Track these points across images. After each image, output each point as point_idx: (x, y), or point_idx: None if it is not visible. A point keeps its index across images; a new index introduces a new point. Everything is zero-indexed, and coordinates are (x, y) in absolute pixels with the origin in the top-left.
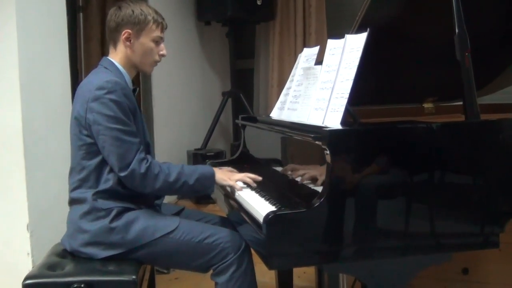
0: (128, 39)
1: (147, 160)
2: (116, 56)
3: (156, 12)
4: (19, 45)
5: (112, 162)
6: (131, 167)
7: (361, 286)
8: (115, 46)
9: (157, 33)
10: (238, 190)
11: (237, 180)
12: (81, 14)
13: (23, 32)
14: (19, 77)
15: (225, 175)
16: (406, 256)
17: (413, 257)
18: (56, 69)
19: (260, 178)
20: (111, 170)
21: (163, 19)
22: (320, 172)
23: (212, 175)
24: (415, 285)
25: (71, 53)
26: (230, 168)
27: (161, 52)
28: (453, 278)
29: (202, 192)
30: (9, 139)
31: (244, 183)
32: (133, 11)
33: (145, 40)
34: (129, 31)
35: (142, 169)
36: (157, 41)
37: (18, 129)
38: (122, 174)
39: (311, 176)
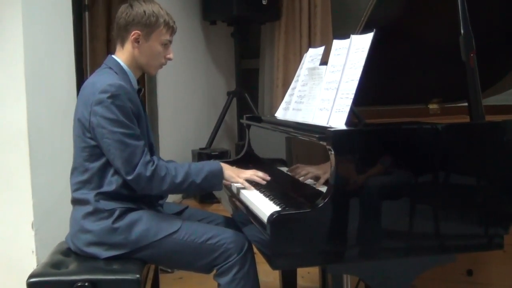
0: (136, 40)
1: (153, 163)
2: (123, 55)
3: (168, 15)
4: (25, 44)
5: (117, 166)
6: (136, 170)
7: (365, 287)
8: (122, 44)
9: (166, 36)
10: (247, 188)
11: (246, 178)
12: (87, 13)
13: (29, 31)
14: (25, 76)
15: (234, 172)
16: (411, 257)
17: (417, 258)
18: (62, 68)
19: (268, 178)
20: (115, 173)
21: (174, 22)
22: (324, 172)
23: (220, 172)
24: (419, 286)
25: (77, 52)
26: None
27: (168, 56)
28: (457, 279)
29: (210, 190)
30: (14, 137)
31: (253, 181)
32: (145, 12)
33: (154, 43)
34: (139, 32)
35: (148, 172)
36: (166, 44)
37: (23, 128)
38: (129, 177)
39: (316, 176)
